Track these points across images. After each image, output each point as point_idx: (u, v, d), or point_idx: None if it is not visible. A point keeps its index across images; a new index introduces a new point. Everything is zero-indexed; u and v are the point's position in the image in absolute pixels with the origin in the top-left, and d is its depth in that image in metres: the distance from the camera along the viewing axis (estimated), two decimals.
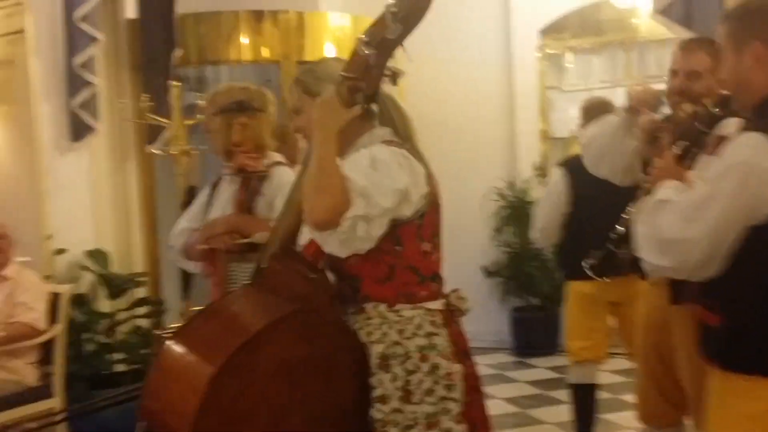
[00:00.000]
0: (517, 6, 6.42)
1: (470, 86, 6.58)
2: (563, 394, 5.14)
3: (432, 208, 2.09)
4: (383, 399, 1.98)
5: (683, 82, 2.71)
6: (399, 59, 6.56)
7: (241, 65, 5.56)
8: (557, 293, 6.18)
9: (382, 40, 1.88)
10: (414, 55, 6.48)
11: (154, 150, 4.83)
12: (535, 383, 5.46)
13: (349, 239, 1.93)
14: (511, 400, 5.06)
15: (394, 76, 2.01)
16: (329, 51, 5.54)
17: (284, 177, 2.76)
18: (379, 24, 1.88)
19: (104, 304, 4.79)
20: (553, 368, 5.80)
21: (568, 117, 6.30)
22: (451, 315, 2.12)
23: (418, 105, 6.69)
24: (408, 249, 2.04)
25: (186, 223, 2.94)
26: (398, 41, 1.89)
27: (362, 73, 1.92)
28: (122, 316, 4.80)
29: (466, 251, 6.55)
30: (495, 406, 4.95)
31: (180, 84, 4.46)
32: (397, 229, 2.01)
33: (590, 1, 6.22)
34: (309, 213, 1.95)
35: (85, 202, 4.91)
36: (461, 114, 6.64)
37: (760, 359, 1.84)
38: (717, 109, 2.27)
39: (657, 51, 6.08)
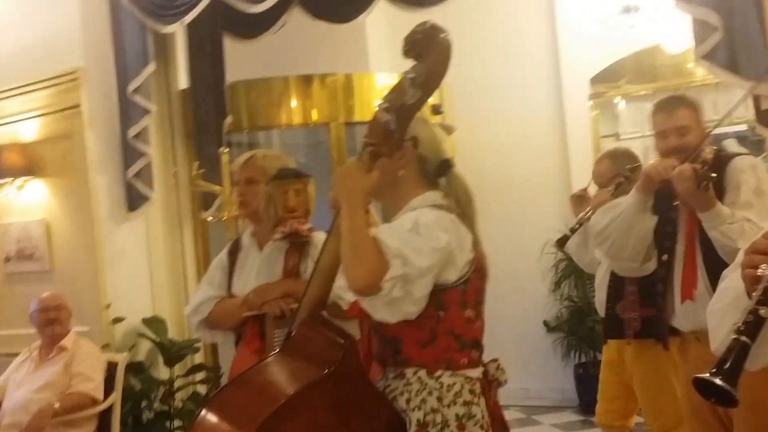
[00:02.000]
0: (566, 55, 6.38)
1: (523, 138, 6.53)
2: None
3: (477, 275, 2.07)
4: None
5: (677, 140, 2.82)
6: (452, 116, 6.53)
7: (291, 129, 5.62)
8: None
9: (401, 106, 1.90)
10: (464, 110, 6.52)
11: (207, 216, 4.91)
12: None
13: (393, 302, 1.91)
14: None
15: (415, 141, 2.03)
16: None
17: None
18: (398, 90, 1.91)
19: (162, 371, 4.81)
20: None
21: None
22: (489, 385, 2.10)
23: (472, 159, 6.67)
24: (451, 315, 2.01)
25: (212, 291, 2.93)
26: (417, 106, 1.91)
27: (383, 139, 1.93)
28: (180, 382, 4.81)
29: (526, 306, 6.44)
30: None
31: (229, 150, 4.55)
32: (440, 294, 2.00)
33: (642, 47, 6.14)
34: (351, 282, 1.93)
35: (142, 270, 4.99)
36: (515, 166, 6.58)
37: None
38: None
39: (713, 95, 5.95)
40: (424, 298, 1.95)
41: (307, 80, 5.40)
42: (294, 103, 5.41)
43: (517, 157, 6.55)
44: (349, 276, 1.92)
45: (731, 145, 6.18)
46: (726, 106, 5.16)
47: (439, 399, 1.97)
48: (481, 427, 2.00)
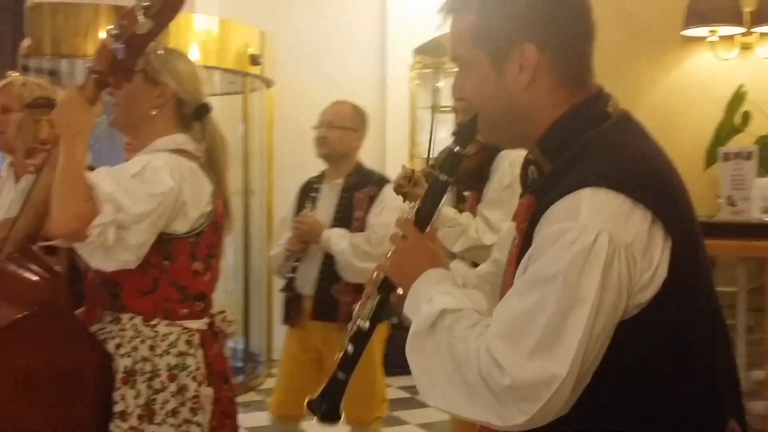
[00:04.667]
0: (393, 20, 6.45)
1: (343, 98, 6.54)
2: (408, 415, 5.17)
3: (213, 228, 2.03)
4: (123, 415, 1.90)
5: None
6: (273, 69, 6.37)
7: None
8: None
9: (132, 35, 1.81)
10: (289, 65, 6.37)
11: None
12: None
13: (108, 249, 1.83)
14: None
15: (146, 73, 1.96)
16: (194, 53, 5.41)
17: None
18: (129, 17, 1.81)
19: None
20: (405, 387, 5.78)
21: (438, 138, 6.34)
22: (214, 336, 2.07)
23: (291, 116, 6.64)
24: (177, 265, 1.98)
25: None
26: (149, 37, 1.83)
27: (110, 68, 1.84)
28: None
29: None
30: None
31: (18, 74, 4.27)
32: (169, 244, 1.95)
33: None
34: (55, 226, 1.83)
35: None
36: None
37: None
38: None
39: None
40: (141, 245, 1.87)
41: (119, 11, 5.13)
42: (103, 33, 5.15)
43: None
44: (54, 219, 1.83)
45: None
46: None
47: (152, 348, 1.93)
48: (194, 378, 1.96)
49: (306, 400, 1.45)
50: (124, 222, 1.83)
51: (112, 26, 1.82)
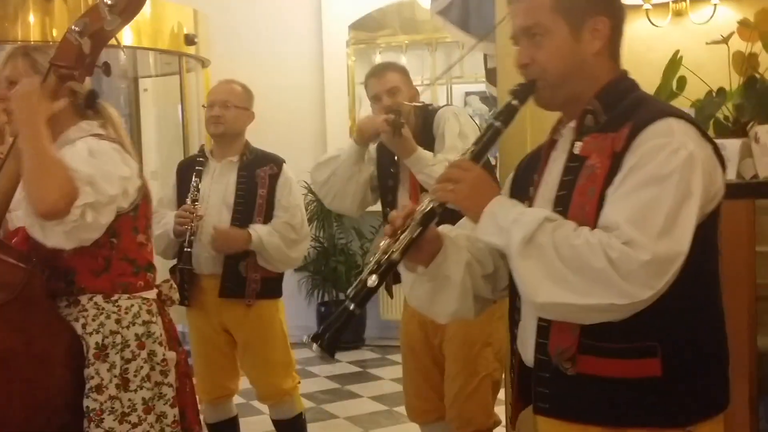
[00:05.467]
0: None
1: (282, 79, 6.50)
2: (360, 388, 5.21)
3: (145, 201, 2.14)
4: (99, 389, 1.98)
5: (389, 99, 2.97)
6: (208, 48, 6.23)
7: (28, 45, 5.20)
8: None
9: (98, 31, 1.89)
10: (224, 44, 6.27)
11: None
12: (334, 378, 5.47)
13: (77, 229, 1.89)
14: (308, 396, 5.03)
15: (107, 68, 2.01)
16: (127, 36, 5.30)
17: None
18: (94, 14, 1.88)
19: None
20: (356, 362, 5.84)
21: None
22: (163, 304, 2.21)
23: None
24: (124, 241, 2.07)
25: None
26: (114, 32, 1.93)
27: (74, 62, 1.91)
28: None
29: None
30: None
31: None
32: (113, 221, 2.02)
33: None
34: (38, 204, 1.86)
35: None
36: (272, 106, 6.52)
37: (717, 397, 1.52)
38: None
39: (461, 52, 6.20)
40: (106, 225, 1.98)
41: None
42: (32, 18, 5.01)
43: (274, 96, 6.48)
44: (38, 198, 1.86)
45: (474, 102, 6.52)
46: (475, 62, 5.43)
47: (118, 321, 2.03)
48: (160, 343, 2.09)
49: (311, 335, 1.47)
50: (101, 203, 1.92)
51: (75, 24, 1.89)
